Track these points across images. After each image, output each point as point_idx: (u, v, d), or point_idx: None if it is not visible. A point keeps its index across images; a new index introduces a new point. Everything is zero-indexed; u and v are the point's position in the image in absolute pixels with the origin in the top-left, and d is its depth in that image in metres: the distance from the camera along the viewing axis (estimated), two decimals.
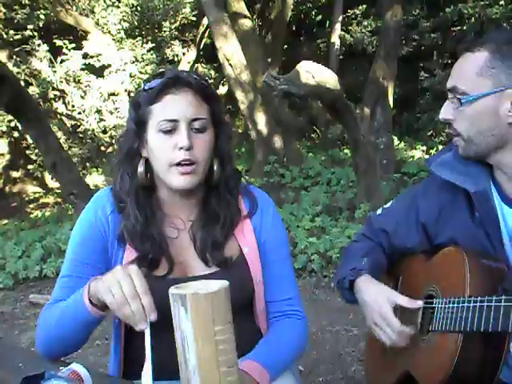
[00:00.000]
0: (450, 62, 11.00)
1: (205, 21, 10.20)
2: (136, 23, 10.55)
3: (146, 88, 1.43)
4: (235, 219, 1.51)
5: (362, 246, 1.69)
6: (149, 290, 1.17)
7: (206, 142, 1.42)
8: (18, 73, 9.36)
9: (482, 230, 1.42)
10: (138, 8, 10.38)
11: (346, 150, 9.04)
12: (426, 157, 8.85)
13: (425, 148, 9.72)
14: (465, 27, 10.48)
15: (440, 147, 9.28)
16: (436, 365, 1.39)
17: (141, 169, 1.45)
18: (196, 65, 11.92)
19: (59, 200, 10.11)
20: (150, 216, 1.46)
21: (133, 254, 1.45)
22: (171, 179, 1.40)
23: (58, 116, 10.37)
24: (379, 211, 1.75)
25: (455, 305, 1.36)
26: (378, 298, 1.48)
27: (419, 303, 1.43)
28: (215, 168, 1.46)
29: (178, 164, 1.38)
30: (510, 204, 1.41)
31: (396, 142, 9.55)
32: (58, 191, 10.41)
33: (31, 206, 10.52)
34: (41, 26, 10.36)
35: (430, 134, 10.82)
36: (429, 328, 1.47)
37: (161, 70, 1.50)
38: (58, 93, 10.11)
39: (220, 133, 1.48)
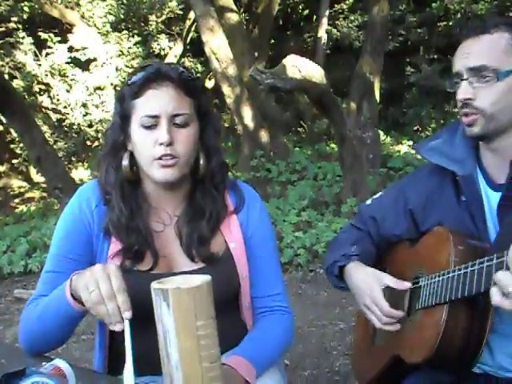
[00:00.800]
0: (436, 57, 11.06)
1: (191, 15, 10.16)
2: (122, 16, 10.48)
3: (129, 82, 1.43)
4: (221, 214, 1.50)
5: (350, 235, 1.74)
6: (126, 289, 1.16)
7: (188, 137, 1.41)
8: (1, 65, 9.29)
9: (467, 212, 1.47)
10: (124, 1, 10.31)
11: (333, 145, 9.06)
12: (413, 152, 8.91)
13: (411, 143, 9.78)
14: (451, 23, 10.54)
15: None
16: (422, 340, 1.42)
17: (125, 162, 1.44)
18: (183, 59, 11.86)
19: (44, 194, 10.04)
20: (136, 209, 1.45)
21: (118, 246, 1.44)
22: (153, 172, 1.41)
23: (43, 110, 10.29)
24: (369, 201, 1.81)
25: (440, 277, 1.40)
26: (368, 279, 1.53)
27: (407, 284, 1.47)
28: (201, 161, 1.46)
29: (160, 158, 1.38)
30: (495, 188, 1.46)
31: (382, 136, 9.59)
32: (43, 186, 10.33)
33: (16, 200, 10.43)
34: (25, 18, 10.25)
35: (416, 128, 10.88)
36: (416, 307, 1.50)
37: (145, 63, 1.49)
38: (43, 86, 10.03)
39: (206, 126, 1.47)
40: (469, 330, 1.35)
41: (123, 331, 1.16)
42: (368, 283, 1.52)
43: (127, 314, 1.15)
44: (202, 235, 1.47)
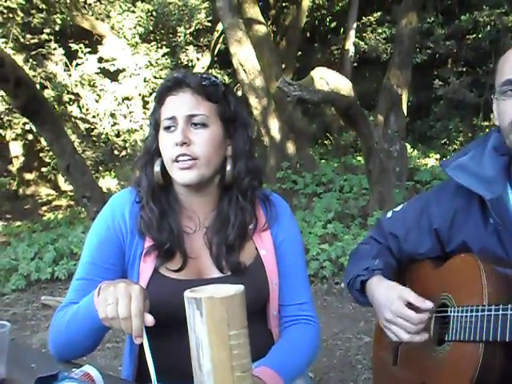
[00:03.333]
0: (464, 69, 10.97)
1: (219, 26, 10.25)
2: (151, 28, 10.62)
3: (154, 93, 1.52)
4: (248, 224, 1.51)
5: (371, 247, 1.67)
6: (143, 313, 1.17)
7: (206, 138, 1.42)
8: (33, 76, 9.44)
9: (495, 236, 1.41)
10: (154, 13, 10.44)
11: (359, 157, 9.03)
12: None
13: (438, 156, 9.69)
14: (480, 35, 10.45)
15: None
16: (457, 375, 1.36)
17: (157, 168, 1.48)
18: (210, 70, 11.96)
19: (72, 203, 10.19)
20: (168, 209, 1.48)
21: (151, 242, 1.47)
22: (174, 175, 1.44)
23: (73, 119, 10.45)
24: (389, 214, 1.72)
25: (474, 313, 1.33)
26: (389, 294, 1.46)
27: (429, 304, 1.39)
28: (228, 167, 1.47)
29: (177, 160, 1.41)
30: None
31: (409, 149, 9.52)
32: (70, 194, 10.49)
33: (44, 208, 10.60)
34: (57, 30, 10.47)
35: (443, 142, 10.79)
36: (444, 338, 1.45)
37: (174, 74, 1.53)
38: (72, 96, 10.19)
39: (235, 132, 1.49)
40: (507, 365, 1.30)
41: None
42: (389, 297, 1.45)
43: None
44: (231, 245, 1.47)
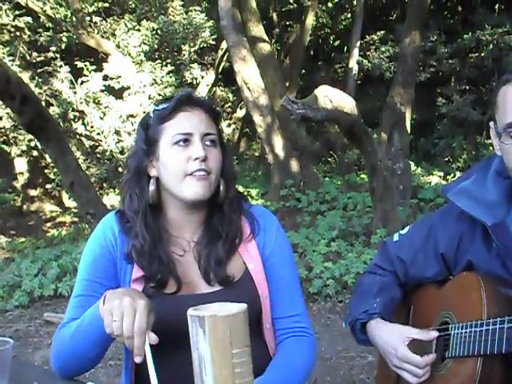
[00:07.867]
0: (467, 88, 11.00)
1: (224, 44, 10.33)
2: (156, 46, 10.70)
3: (158, 108, 1.50)
4: (237, 236, 1.53)
5: (375, 281, 1.66)
6: (145, 332, 1.19)
7: (217, 156, 1.48)
8: (39, 93, 9.50)
9: (499, 261, 1.40)
10: (158, 31, 10.53)
11: (363, 175, 9.03)
12: (443, 182, 8.82)
13: (442, 174, 9.68)
14: (483, 54, 10.50)
15: (457, 173, 9.24)
16: None
17: (152, 187, 1.49)
18: (214, 88, 12.03)
19: (75, 219, 10.19)
20: (157, 237, 1.48)
21: (141, 271, 1.47)
22: (186, 189, 1.44)
23: (77, 136, 10.49)
24: (396, 237, 1.72)
25: (472, 329, 1.33)
26: (391, 339, 1.48)
27: (433, 334, 1.42)
28: (221, 187, 1.50)
29: (191, 174, 1.43)
30: None
31: (413, 167, 9.51)
32: (74, 210, 10.50)
33: (48, 224, 10.61)
34: (63, 48, 10.57)
35: (447, 159, 10.78)
36: (445, 355, 1.45)
37: (172, 95, 1.56)
38: (77, 113, 10.24)
39: (224, 154, 1.54)
40: (506, 377, 1.30)
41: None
42: (392, 343, 1.47)
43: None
44: (219, 257, 1.49)
